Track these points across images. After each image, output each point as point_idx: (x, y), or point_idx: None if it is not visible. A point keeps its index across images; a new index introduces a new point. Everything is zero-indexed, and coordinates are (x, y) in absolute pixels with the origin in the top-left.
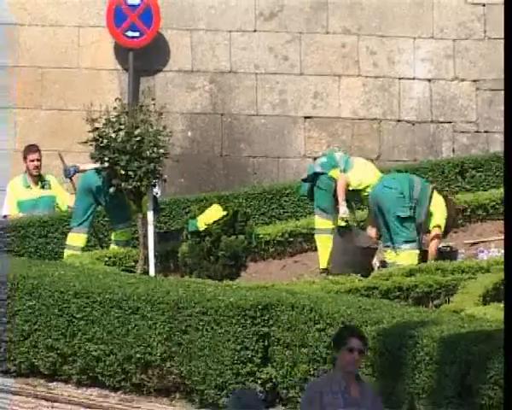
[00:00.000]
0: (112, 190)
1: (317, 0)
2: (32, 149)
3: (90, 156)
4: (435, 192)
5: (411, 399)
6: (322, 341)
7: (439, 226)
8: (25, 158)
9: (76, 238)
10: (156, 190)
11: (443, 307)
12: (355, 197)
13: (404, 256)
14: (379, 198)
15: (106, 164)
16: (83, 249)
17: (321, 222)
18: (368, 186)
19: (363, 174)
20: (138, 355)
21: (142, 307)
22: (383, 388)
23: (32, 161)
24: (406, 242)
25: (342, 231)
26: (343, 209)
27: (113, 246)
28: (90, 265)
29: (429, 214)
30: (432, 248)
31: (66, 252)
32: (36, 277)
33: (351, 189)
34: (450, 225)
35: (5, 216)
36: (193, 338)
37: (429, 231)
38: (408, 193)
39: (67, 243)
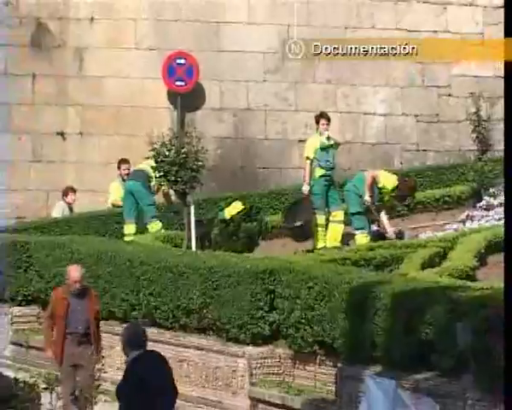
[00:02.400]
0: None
1: (307, 60)
2: (125, 161)
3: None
4: (384, 174)
5: (372, 334)
6: (311, 295)
7: (386, 202)
8: (118, 167)
9: (128, 227)
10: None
11: (394, 271)
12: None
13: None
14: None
15: (162, 173)
16: (135, 234)
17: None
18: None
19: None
20: (184, 305)
21: (186, 272)
22: (353, 327)
23: (124, 169)
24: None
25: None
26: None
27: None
28: (151, 242)
29: (381, 196)
30: (383, 218)
31: (125, 237)
32: (113, 250)
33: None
34: (404, 197)
35: (113, 205)
36: (221, 293)
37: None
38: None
39: (124, 231)
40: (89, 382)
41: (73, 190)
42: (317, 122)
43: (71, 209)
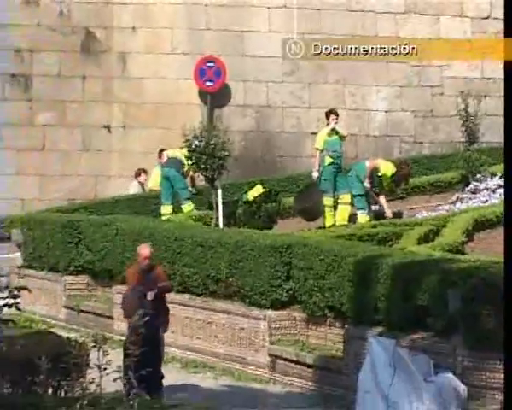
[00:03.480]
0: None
1: (319, 63)
2: (163, 150)
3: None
4: (384, 162)
5: (375, 300)
6: (323, 266)
7: (385, 186)
8: (159, 156)
9: (164, 208)
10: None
11: (394, 246)
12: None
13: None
14: None
15: (193, 161)
16: (170, 214)
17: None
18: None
19: None
20: (212, 275)
21: (214, 246)
22: (359, 294)
23: (162, 157)
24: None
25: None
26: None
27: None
28: (184, 221)
29: (381, 182)
30: (382, 201)
31: (162, 217)
32: (152, 228)
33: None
34: (400, 182)
35: (151, 190)
36: (245, 264)
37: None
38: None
39: (161, 211)
40: (158, 348)
41: (145, 171)
42: (327, 117)
43: (143, 188)
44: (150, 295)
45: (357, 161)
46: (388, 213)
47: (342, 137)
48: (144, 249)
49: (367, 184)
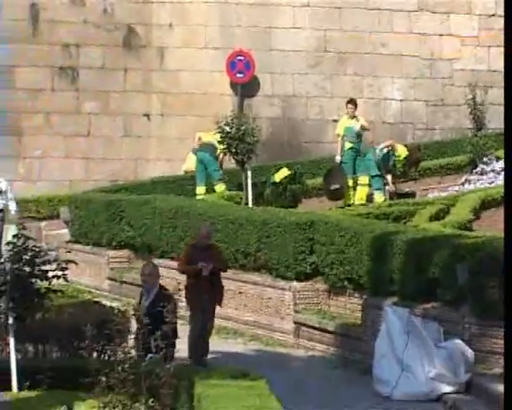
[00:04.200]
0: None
1: (339, 56)
2: (200, 136)
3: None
4: (400, 146)
5: (390, 273)
6: (343, 242)
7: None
8: (194, 141)
9: (199, 189)
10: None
11: (408, 223)
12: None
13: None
14: None
15: (225, 145)
16: (204, 194)
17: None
18: None
19: None
20: (242, 249)
21: (244, 223)
22: (375, 267)
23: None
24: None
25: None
26: None
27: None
28: (217, 200)
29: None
30: (388, 177)
31: (197, 196)
32: (188, 206)
33: None
34: (411, 165)
35: (185, 171)
36: (272, 240)
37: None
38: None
39: (196, 191)
40: (211, 322)
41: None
42: (347, 106)
43: None
44: (206, 271)
45: (374, 146)
46: (391, 186)
47: (362, 127)
48: (203, 230)
49: (378, 156)
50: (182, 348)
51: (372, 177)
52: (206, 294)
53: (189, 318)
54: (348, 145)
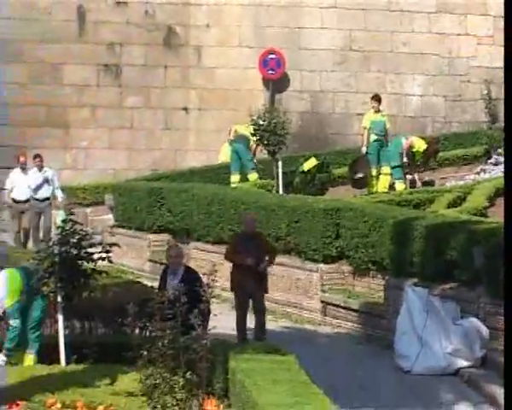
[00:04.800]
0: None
1: (364, 54)
2: (236, 129)
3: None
4: (417, 139)
5: (411, 255)
6: (366, 227)
7: (418, 160)
8: (229, 133)
9: (233, 177)
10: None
11: (427, 209)
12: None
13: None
14: None
15: (258, 137)
16: (238, 182)
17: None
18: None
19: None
20: (273, 233)
21: (275, 209)
22: (397, 250)
23: (234, 133)
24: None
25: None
26: None
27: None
28: (250, 188)
29: (413, 154)
30: (416, 178)
31: (231, 184)
32: (223, 194)
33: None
34: (430, 156)
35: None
36: (301, 225)
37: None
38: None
39: (230, 180)
40: (261, 306)
41: None
42: (372, 101)
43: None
44: (262, 267)
45: (395, 138)
46: (419, 183)
47: (386, 123)
48: (250, 218)
49: (405, 159)
50: (218, 325)
51: (392, 167)
52: (252, 281)
53: (235, 304)
54: (373, 137)
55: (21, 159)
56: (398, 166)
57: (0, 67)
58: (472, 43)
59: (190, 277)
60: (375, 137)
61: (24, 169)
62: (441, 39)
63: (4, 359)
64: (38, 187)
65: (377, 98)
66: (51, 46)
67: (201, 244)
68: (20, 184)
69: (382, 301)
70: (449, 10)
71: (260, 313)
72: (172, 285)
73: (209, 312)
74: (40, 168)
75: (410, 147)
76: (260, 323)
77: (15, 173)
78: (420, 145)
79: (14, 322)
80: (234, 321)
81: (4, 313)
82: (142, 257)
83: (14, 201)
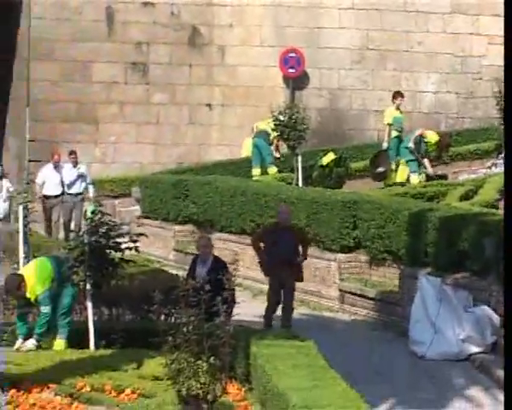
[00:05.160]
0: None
1: (380, 53)
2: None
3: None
4: (430, 133)
5: (425, 246)
6: (382, 218)
7: (430, 152)
8: (252, 130)
9: (254, 171)
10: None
11: (440, 202)
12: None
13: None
14: None
15: (278, 132)
16: (259, 175)
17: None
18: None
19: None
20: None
21: (295, 201)
22: (412, 240)
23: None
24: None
25: None
26: None
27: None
28: (270, 181)
29: (427, 147)
30: (426, 162)
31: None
32: (245, 186)
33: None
34: (442, 149)
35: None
36: (320, 216)
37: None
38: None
39: (252, 173)
40: (290, 295)
41: None
42: (394, 98)
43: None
44: (300, 260)
45: (410, 133)
46: (430, 171)
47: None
48: (285, 210)
49: (411, 144)
50: (241, 312)
51: (407, 162)
52: (286, 272)
53: (268, 291)
54: (394, 134)
55: (55, 157)
56: (411, 161)
57: (33, 65)
58: (483, 42)
59: (218, 266)
60: (396, 134)
61: (56, 167)
62: (454, 39)
63: (35, 343)
64: (72, 183)
65: (401, 95)
66: (81, 45)
67: (224, 235)
68: (52, 180)
69: (397, 289)
70: (462, 11)
71: (289, 302)
72: (201, 274)
73: (234, 300)
74: (75, 164)
75: (422, 136)
76: (288, 312)
77: (47, 169)
78: (432, 137)
79: (45, 309)
80: (256, 309)
81: (36, 299)
82: (167, 247)
83: (45, 196)
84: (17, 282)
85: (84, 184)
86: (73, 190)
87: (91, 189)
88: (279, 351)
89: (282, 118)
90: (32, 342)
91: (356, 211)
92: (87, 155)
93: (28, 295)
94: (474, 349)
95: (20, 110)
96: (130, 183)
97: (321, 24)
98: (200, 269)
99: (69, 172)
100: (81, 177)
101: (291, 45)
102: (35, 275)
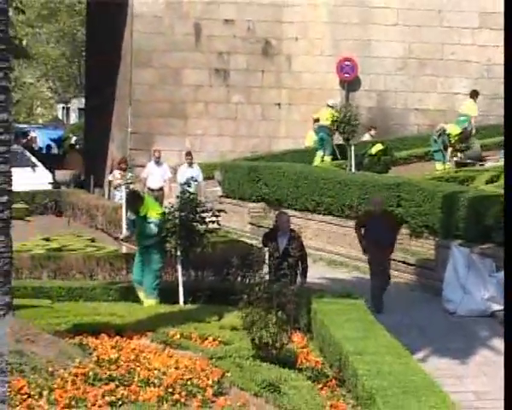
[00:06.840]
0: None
1: (419, 61)
2: (316, 120)
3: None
4: (452, 126)
5: (456, 221)
6: (421, 198)
7: (453, 143)
8: (313, 121)
9: (316, 159)
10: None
11: (470, 185)
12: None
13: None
14: None
15: (335, 127)
16: (320, 162)
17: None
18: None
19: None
20: (347, 203)
21: (349, 183)
22: (445, 217)
23: (318, 122)
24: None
25: None
26: None
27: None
28: (328, 166)
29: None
30: (448, 153)
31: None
32: (308, 172)
33: None
34: (464, 139)
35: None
36: (369, 196)
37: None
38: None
39: (314, 161)
40: (387, 277)
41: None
42: (472, 97)
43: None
44: (389, 241)
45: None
46: (447, 159)
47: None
48: (378, 200)
49: (435, 136)
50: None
51: (433, 152)
52: (378, 251)
53: (370, 273)
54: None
55: (156, 154)
56: (435, 151)
57: (134, 71)
58: None
59: (295, 237)
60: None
61: (157, 162)
62: (482, 50)
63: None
64: (186, 183)
65: (477, 94)
66: (174, 54)
67: (290, 211)
68: (154, 174)
69: (433, 257)
70: (488, 26)
71: (385, 276)
72: (283, 243)
73: (307, 267)
74: (190, 164)
75: (443, 130)
76: (384, 288)
77: (151, 165)
78: (452, 130)
79: (155, 229)
80: (315, 273)
81: (145, 217)
82: (243, 221)
83: (150, 188)
84: (138, 199)
85: (196, 185)
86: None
87: (203, 187)
88: (335, 307)
89: (337, 114)
90: (152, 301)
91: (399, 192)
92: (178, 145)
93: (141, 212)
94: (497, 307)
95: (124, 108)
96: (213, 168)
97: (371, 37)
98: (280, 239)
99: (185, 172)
100: (194, 178)
101: (346, 55)
102: (153, 203)
